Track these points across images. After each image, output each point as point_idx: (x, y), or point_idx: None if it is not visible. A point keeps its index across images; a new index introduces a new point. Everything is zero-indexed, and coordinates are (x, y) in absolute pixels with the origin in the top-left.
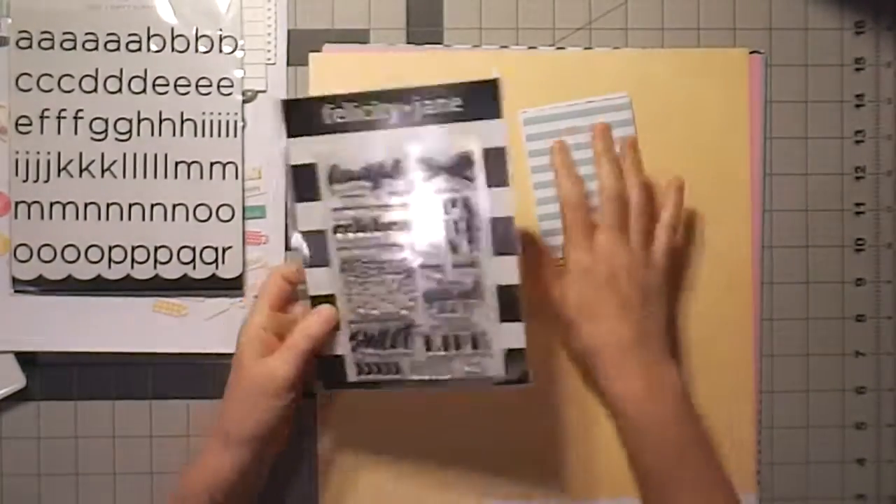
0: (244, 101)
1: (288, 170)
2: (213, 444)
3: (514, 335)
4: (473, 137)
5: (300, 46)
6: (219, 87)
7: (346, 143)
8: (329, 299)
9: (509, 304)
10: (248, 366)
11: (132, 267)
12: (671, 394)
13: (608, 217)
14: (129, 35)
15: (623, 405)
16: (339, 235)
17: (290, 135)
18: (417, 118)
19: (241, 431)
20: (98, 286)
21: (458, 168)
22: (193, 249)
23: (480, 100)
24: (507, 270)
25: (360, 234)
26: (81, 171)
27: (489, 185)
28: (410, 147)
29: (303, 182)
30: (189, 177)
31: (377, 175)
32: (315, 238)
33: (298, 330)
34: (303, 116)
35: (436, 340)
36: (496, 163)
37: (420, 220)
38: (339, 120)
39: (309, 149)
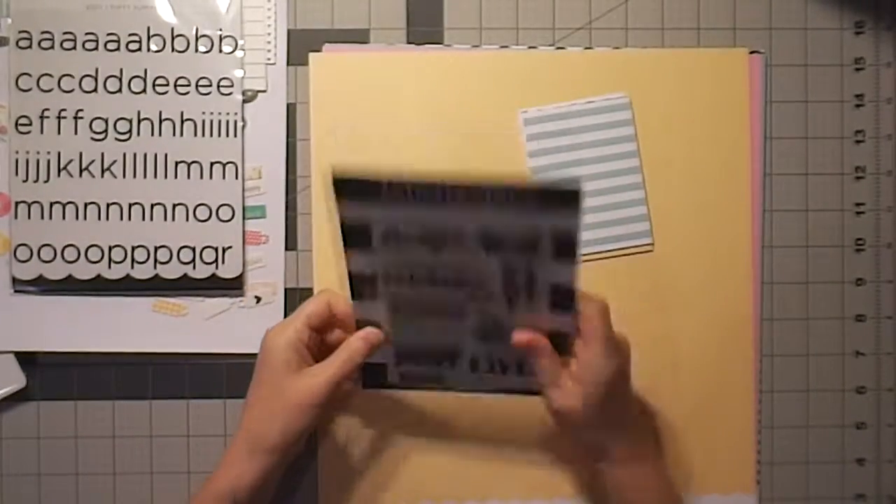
0: (244, 101)
1: (336, 222)
2: (239, 449)
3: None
4: (545, 224)
5: (300, 46)
6: (219, 86)
7: (405, 213)
8: (375, 323)
9: (560, 345)
10: (283, 376)
11: (132, 267)
12: (668, 476)
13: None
14: (129, 35)
15: (643, 488)
16: (390, 286)
17: (339, 198)
18: (487, 201)
19: (271, 440)
20: (98, 286)
21: (525, 246)
22: (193, 249)
23: (558, 201)
24: (562, 322)
25: (415, 287)
26: (81, 171)
27: (554, 259)
28: (475, 223)
29: (353, 236)
30: (189, 177)
31: (437, 242)
32: (364, 277)
33: (342, 351)
34: (356, 188)
35: (482, 364)
36: (565, 241)
37: (479, 282)
38: (396, 193)
39: (362, 212)
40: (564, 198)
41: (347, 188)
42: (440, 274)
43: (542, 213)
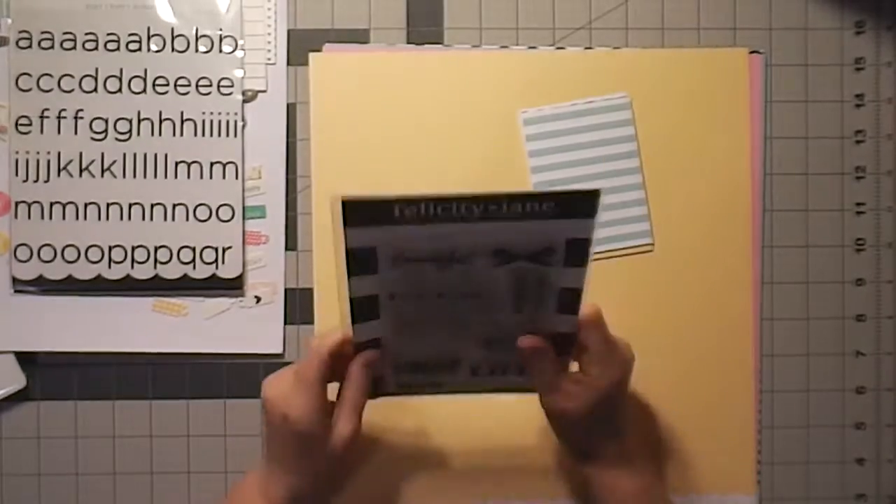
0: (244, 101)
1: (342, 250)
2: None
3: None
4: (561, 230)
5: (300, 46)
6: (219, 86)
7: (415, 235)
8: (374, 343)
9: (565, 348)
10: (320, 440)
11: (132, 267)
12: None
13: (609, 331)
14: (129, 35)
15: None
16: (396, 301)
17: (349, 225)
18: (503, 214)
19: (319, 497)
20: (98, 286)
21: (540, 256)
22: (193, 249)
23: (577, 206)
24: (567, 323)
25: (420, 301)
26: (81, 171)
27: (565, 265)
28: (490, 238)
29: (359, 261)
30: (189, 177)
31: (446, 260)
32: (367, 298)
33: (350, 386)
34: (366, 213)
35: (483, 369)
36: (578, 249)
37: (488, 292)
38: (409, 215)
39: (370, 236)
40: (583, 201)
41: (357, 214)
42: (449, 289)
43: (559, 221)
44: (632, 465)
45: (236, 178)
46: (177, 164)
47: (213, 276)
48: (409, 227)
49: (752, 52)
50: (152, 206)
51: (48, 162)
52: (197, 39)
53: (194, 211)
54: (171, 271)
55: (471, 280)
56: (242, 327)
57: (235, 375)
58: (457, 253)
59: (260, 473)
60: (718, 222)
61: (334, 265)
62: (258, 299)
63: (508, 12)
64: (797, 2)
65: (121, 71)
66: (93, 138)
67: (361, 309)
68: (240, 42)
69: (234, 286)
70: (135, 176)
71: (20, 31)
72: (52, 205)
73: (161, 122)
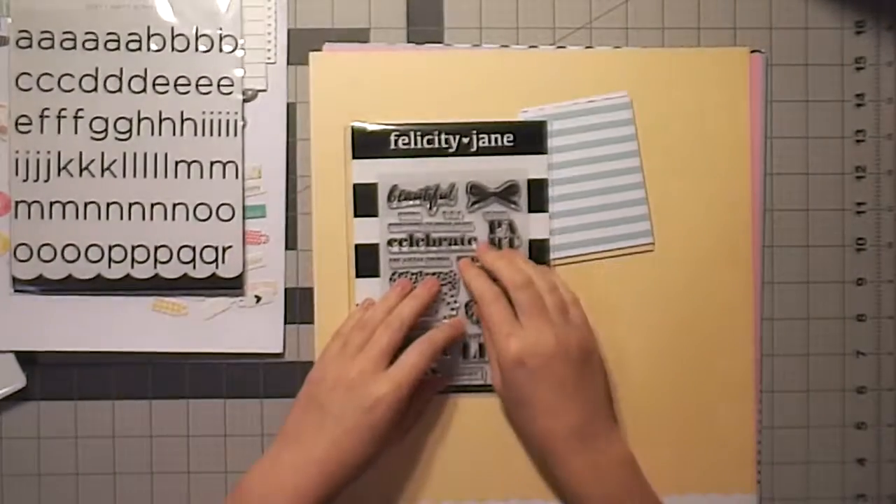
0: (244, 101)
1: (350, 188)
2: (325, 464)
3: None
4: (520, 169)
5: (300, 45)
6: (219, 86)
7: (407, 167)
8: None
9: None
10: (390, 424)
11: (132, 266)
12: (615, 467)
13: (526, 304)
14: (129, 34)
15: (570, 487)
16: (392, 248)
17: (356, 156)
18: (473, 149)
19: (362, 468)
20: (98, 286)
21: (506, 194)
22: (193, 249)
23: (529, 137)
24: None
25: (413, 248)
26: (81, 170)
27: (530, 211)
28: (465, 174)
29: (363, 199)
30: (189, 176)
31: (433, 196)
32: (368, 250)
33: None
34: (370, 141)
35: (472, 348)
36: (538, 192)
37: (468, 236)
38: (402, 146)
39: (372, 170)
40: (533, 131)
41: (363, 142)
42: (435, 233)
43: (518, 158)
44: (594, 443)
45: (236, 177)
46: (177, 163)
47: (213, 275)
48: (402, 160)
49: (752, 52)
50: (152, 205)
51: (48, 161)
52: (197, 39)
53: (194, 210)
54: (171, 271)
55: (453, 223)
56: (242, 327)
57: (235, 375)
58: (442, 187)
59: (305, 453)
60: (718, 222)
61: (334, 265)
62: (258, 299)
63: (508, 12)
64: (797, 2)
65: (121, 70)
66: (93, 138)
67: (365, 260)
68: (240, 41)
69: (234, 286)
70: (135, 175)
71: (20, 31)
72: (52, 204)
73: (161, 121)
